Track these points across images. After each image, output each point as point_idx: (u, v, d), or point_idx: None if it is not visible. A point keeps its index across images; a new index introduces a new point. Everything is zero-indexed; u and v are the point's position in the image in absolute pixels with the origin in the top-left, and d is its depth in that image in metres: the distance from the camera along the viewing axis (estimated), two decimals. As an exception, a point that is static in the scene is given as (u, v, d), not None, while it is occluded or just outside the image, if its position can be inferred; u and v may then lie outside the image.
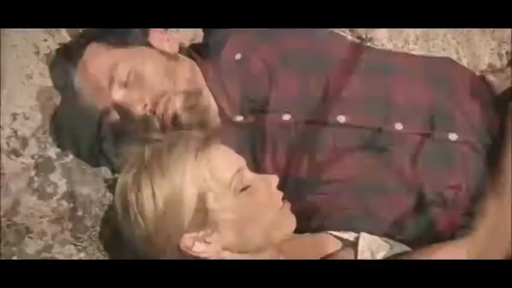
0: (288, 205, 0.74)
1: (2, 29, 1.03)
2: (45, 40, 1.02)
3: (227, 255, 0.70)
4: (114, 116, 0.83)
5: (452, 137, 0.78)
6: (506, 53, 1.09)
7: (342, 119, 0.79)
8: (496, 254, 0.73)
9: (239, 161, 0.73)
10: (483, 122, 0.80)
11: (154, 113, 0.80)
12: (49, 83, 1.02)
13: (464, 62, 1.07)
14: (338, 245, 0.80)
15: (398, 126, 0.79)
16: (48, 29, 1.04)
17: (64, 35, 1.04)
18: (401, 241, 0.79)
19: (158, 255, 0.68)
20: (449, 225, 0.77)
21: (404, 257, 0.74)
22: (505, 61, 1.09)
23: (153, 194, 0.66)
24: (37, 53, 1.02)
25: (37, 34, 1.03)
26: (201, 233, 0.67)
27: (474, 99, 0.81)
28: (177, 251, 0.67)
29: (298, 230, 0.77)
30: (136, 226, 0.68)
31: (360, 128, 0.79)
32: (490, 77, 0.87)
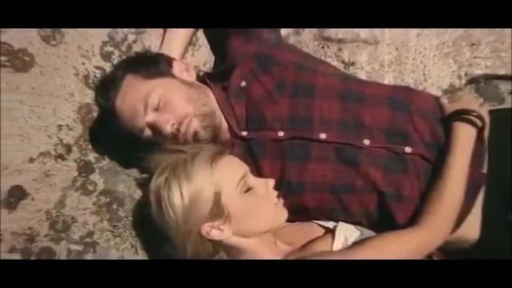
0: (281, 201, 0.90)
1: (46, 54, 1.17)
2: (83, 63, 1.18)
3: (235, 239, 0.86)
4: (148, 132, 0.98)
5: (408, 149, 0.95)
6: (465, 74, 1.21)
7: (323, 136, 0.95)
8: (438, 240, 0.89)
9: (244, 168, 0.89)
10: (432, 138, 0.96)
11: (179, 130, 0.95)
12: (88, 99, 1.18)
13: (430, 82, 1.20)
14: (321, 231, 0.95)
15: (366, 141, 0.95)
16: (86, 54, 1.18)
17: (98, 59, 1.19)
18: (369, 228, 0.95)
19: (184, 239, 0.84)
20: (404, 217, 0.94)
21: (370, 240, 0.87)
22: (463, 81, 1.21)
23: (181, 194, 0.82)
24: (76, 74, 1.18)
25: (76, 58, 1.17)
26: (216, 223, 0.83)
27: (426, 120, 0.97)
28: (199, 236, 0.84)
29: (290, 220, 0.93)
30: (167, 217, 0.84)
31: (336, 143, 0.95)
32: (443, 100, 1.02)
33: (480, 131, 0.95)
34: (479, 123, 0.94)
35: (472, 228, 0.95)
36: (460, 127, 0.94)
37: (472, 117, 0.94)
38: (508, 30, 1.20)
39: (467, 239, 0.96)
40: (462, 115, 0.95)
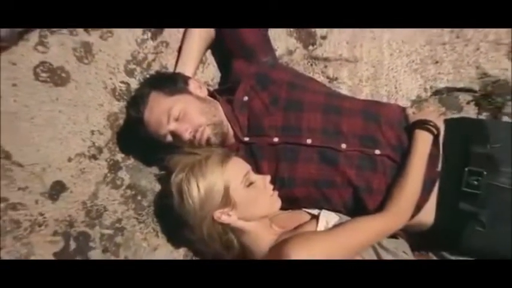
0: (276, 193, 1.08)
1: (79, 72, 1.31)
2: (111, 79, 1.33)
3: (240, 223, 1.03)
4: (169, 138, 1.15)
5: (377, 152, 1.12)
6: (430, 87, 1.38)
7: (309, 141, 1.12)
8: (400, 224, 1.06)
9: (246, 167, 1.07)
10: (398, 142, 1.13)
11: (195, 137, 1.13)
12: (115, 109, 1.33)
13: (400, 94, 1.37)
14: (308, 217, 1.12)
15: (343, 145, 1.12)
16: (113, 71, 1.33)
17: (123, 75, 1.34)
18: (346, 214, 1.12)
19: (200, 223, 1.02)
20: (374, 205, 1.12)
21: (346, 223, 1.03)
22: (429, 93, 1.38)
23: (198, 187, 1.01)
24: (105, 88, 1.33)
25: (105, 74, 1.33)
26: (225, 209, 1.02)
27: (393, 128, 1.14)
28: (212, 220, 1.02)
29: (283, 208, 1.10)
30: (187, 206, 1.02)
31: (319, 147, 1.11)
32: (408, 111, 1.21)
33: (436, 137, 1.13)
34: (435, 131, 1.13)
35: (428, 214, 1.13)
36: (420, 134, 1.13)
37: (429, 126, 1.12)
38: (466, 50, 1.39)
39: (425, 222, 1.14)
40: (422, 124, 1.13)
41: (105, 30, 1.34)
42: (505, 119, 1.37)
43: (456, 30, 1.40)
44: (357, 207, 1.14)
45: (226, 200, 1.03)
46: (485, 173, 1.09)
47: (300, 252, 0.93)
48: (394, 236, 1.12)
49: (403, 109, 1.23)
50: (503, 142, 1.14)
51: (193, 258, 1.29)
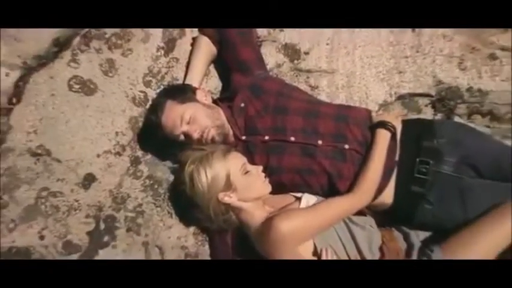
0: (267, 180, 1.32)
1: (105, 83, 1.50)
2: (131, 89, 1.53)
3: (239, 203, 1.27)
4: (182, 137, 1.38)
5: (346, 146, 1.36)
6: (395, 93, 1.61)
7: (292, 138, 1.36)
8: (364, 203, 1.29)
9: (243, 159, 1.32)
10: (363, 139, 1.37)
11: (202, 136, 1.36)
12: (135, 114, 1.52)
13: (370, 99, 1.61)
14: (293, 199, 1.35)
15: (320, 142, 1.35)
16: (133, 82, 1.52)
17: (142, 86, 1.53)
18: (323, 196, 1.36)
19: (208, 203, 1.25)
20: (344, 189, 1.35)
21: (321, 202, 1.27)
22: (393, 98, 1.61)
23: (206, 175, 1.24)
24: (127, 96, 1.53)
25: (126, 85, 1.52)
26: (227, 192, 1.26)
27: (359, 127, 1.38)
28: (217, 201, 1.26)
29: (273, 192, 1.33)
30: (197, 190, 1.26)
31: (301, 143, 1.34)
32: (373, 113, 1.46)
33: (393, 134, 1.39)
34: (392, 130, 1.38)
35: (388, 196, 1.37)
36: (380, 132, 1.38)
37: (388, 126, 1.38)
38: (425, 62, 1.65)
39: (386, 202, 1.39)
40: (382, 125, 1.39)
41: (126, 48, 1.54)
42: (457, 118, 1.63)
43: (416, 45, 1.65)
44: (330, 191, 1.38)
45: (228, 185, 1.26)
46: (432, 162, 1.34)
47: (285, 222, 1.19)
48: (362, 213, 1.37)
49: (369, 112, 1.48)
50: (447, 138, 1.39)
51: (201, 232, 1.50)
